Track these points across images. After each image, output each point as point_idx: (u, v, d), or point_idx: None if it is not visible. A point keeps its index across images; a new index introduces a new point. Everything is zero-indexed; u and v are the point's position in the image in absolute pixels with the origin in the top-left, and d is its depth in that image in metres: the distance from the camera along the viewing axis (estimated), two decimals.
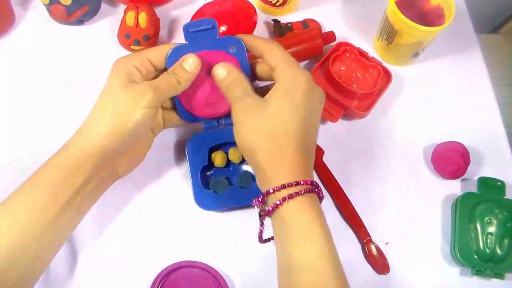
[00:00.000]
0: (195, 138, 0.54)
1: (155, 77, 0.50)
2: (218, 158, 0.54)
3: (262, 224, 0.46)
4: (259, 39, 0.49)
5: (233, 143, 0.53)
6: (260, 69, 0.51)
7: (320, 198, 0.44)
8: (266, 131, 0.43)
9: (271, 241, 0.48)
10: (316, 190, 0.43)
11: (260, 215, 0.44)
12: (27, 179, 0.44)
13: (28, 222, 0.42)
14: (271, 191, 0.42)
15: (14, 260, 0.42)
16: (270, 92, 0.45)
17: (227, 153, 0.55)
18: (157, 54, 0.49)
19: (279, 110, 0.43)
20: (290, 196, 0.41)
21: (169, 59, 0.49)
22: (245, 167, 0.55)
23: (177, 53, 0.49)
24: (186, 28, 0.49)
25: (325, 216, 0.43)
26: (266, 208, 0.43)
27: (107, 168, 0.47)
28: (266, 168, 0.43)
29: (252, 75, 0.51)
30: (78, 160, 0.44)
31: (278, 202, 0.41)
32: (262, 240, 0.48)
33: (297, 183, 0.41)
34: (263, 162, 0.43)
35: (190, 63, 0.48)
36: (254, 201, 0.44)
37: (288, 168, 0.42)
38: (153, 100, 0.46)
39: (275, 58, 0.46)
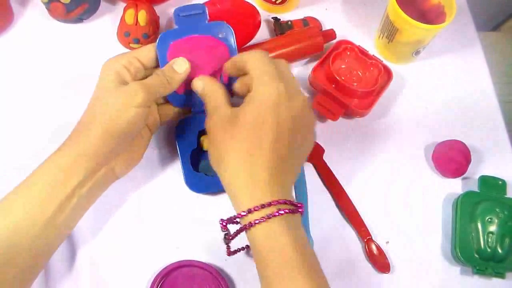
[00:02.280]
0: (183, 123, 0.54)
1: (145, 75, 0.50)
2: (206, 142, 0.53)
3: (227, 247, 0.47)
4: (246, 52, 0.47)
5: None
6: (238, 85, 0.48)
7: (296, 212, 0.42)
8: (236, 145, 0.42)
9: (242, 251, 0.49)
10: (292, 209, 0.41)
11: (224, 237, 0.45)
12: (22, 180, 0.44)
13: (23, 222, 0.42)
14: (240, 215, 0.41)
15: (9, 260, 0.42)
16: (243, 103, 0.44)
17: None
18: (146, 52, 0.49)
19: (247, 124, 0.42)
20: (250, 224, 0.40)
21: (159, 44, 0.49)
22: None
23: (167, 37, 0.50)
24: (176, 13, 0.50)
25: (303, 239, 0.42)
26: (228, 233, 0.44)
27: (103, 169, 0.47)
28: (232, 185, 0.42)
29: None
30: (73, 163, 0.44)
31: (240, 228, 0.41)
32: (230, 254, 0.48)
33: (263, 206, 0.40)
34: (228, 180, 0.43)
35: (180, 64, 0.48)
36: (220, 223, 0.44)
37: (255, 187, 0.41)
38: (145, 99, 0.45)
39: (255, 67, 0.45)
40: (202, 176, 0.53)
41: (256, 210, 0.40)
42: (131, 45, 0.60)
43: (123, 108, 0.45)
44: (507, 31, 1.10)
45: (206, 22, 0.51)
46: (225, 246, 0.48)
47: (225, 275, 0.51)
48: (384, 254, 0.53)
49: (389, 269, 0.53)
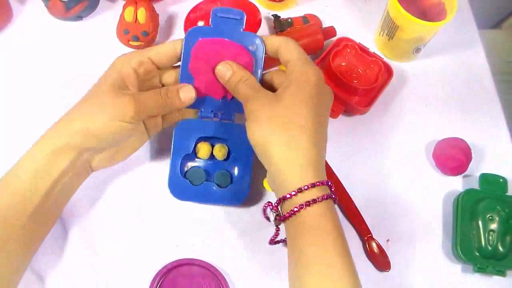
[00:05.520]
0: (185, 124, 0.52)
1: (158, 76, 0.50)
2: (202, 149, 0.52)
3: (278, 229, 0.46)
4: (276, 36, 0.49)
5: (221, 139, 0.52)
6: (273, 78, 0.49)
7: (334, 200, 0.43)
8: (280, 123, 0.43)
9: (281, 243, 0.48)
10: (331, 192, 0.42)
11: (275, 219, 0.44)
12: (7, 172, 0.44)
13: (9, 213, 0.43)
14: (288, 196, 0.41)
15: None
16: (282, 87, 0.45)
17: (213, 147, 0.53)
18: (160, 52, 0.48)
19: (292, 103, 0.43)
20: (308, 204, 0.41)
21: (187, 36, 0.49)
22: (227, 166, 0.53)
23: (198, 33, 0.49)
24: (214, 12, 0.49)
25: (341, 226, 0.42)
26: (281, 213, 0.43)
27: (81, 161, 0.46)
28: (280, 163, 0.42)
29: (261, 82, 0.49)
30: (55, 153, 0.44)
31: (295, 209, 0.41)
32: (273, 243, 0.48)
33: (313, 185, 0.41)
34: (277, 156, 0.42)
35: (186, 92, 0.48)
36: (266, 205, 0.44)
37: (303, 162, 0.42)
38: (134, 117, 0.45)
39: (289, 52, 0.46)
40: (186, 183, 0.52)
41: (305, 190, 0.41)
42: (130, 42, 0.60)
43: (108, 119, 0.45)
44: (508, 29, 1.09)
45: (241, 30, 0.49)
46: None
47: (225, 273, 0.51)
48: (385, 252, 0.53)
49: (390, 267, 0.53)
